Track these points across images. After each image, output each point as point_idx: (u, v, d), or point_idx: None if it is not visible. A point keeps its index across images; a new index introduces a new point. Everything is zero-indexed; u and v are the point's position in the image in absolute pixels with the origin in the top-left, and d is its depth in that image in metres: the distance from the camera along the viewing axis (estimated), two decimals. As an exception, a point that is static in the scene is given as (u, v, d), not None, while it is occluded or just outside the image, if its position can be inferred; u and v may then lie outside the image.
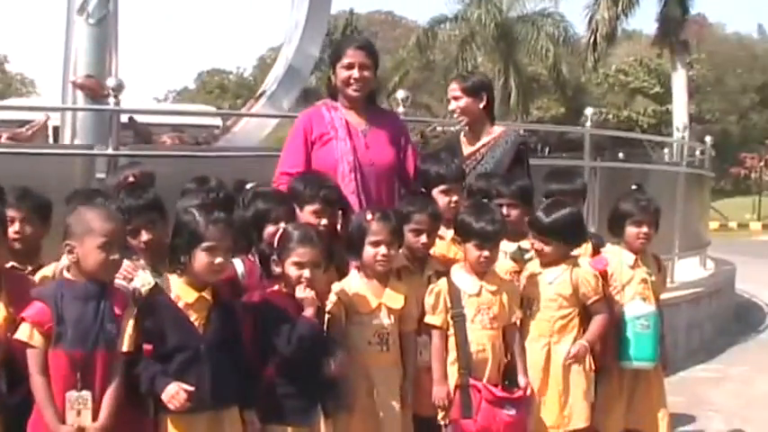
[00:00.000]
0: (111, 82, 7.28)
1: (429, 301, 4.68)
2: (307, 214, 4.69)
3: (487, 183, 5.32)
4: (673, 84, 31.37)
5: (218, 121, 12.62)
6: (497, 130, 5.93)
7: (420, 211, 4.77)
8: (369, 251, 4.50)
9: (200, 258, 3.88)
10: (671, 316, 9.03)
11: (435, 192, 5.11)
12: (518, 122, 32.06)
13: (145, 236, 4.30)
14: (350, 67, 5.24)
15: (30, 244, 4.48)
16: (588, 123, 9.06)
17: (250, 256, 4.53)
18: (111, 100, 7.10)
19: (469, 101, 5.84)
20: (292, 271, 4.18)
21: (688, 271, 10.96)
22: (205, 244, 3.87)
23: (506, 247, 5.09)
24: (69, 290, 3.75)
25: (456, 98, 5.87)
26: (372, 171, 5.21)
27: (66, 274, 3.85)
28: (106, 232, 3.76)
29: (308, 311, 4.13)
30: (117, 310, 3.76)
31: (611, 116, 46.63)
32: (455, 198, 5.09)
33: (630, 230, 5.22)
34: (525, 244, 5.10)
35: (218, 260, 3.89)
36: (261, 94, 12.90)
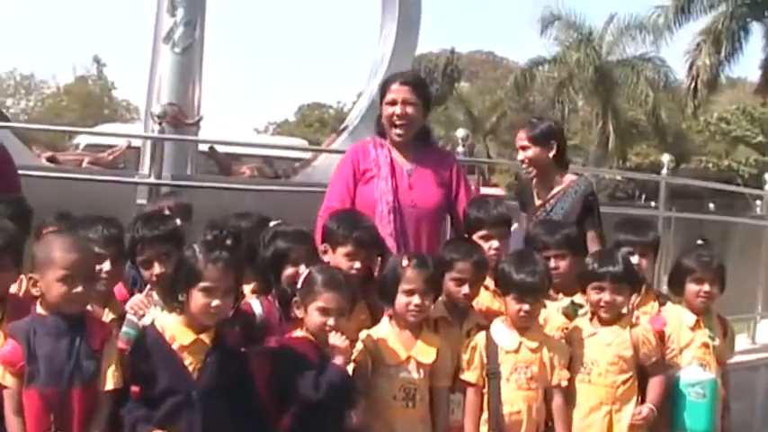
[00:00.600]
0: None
1: (465, 356, 4.38)
2: (339, 257, 4.47)
3: (536, 231, 5.02)
4: (775, 133, 30.41)
5: (308, 155, 12.50)
6: (569, 178, 5.59)
7: (463, 259, 4.48)
8: (401, 300, 4.23)
9: (197, 299, 3.67)
10: (750, 379, 8.53)
11: (476, 237, 4.82)
12: (610, 168, 31.54)
13: (157, 269, 4.12)
14: (393, 103, 5.03)
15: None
16: (665, 171, 8.59)
17: (270, 297, 4.33)
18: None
19: (537, 150, 5.49)
20: (315, 317, 3.96)
21: (771, 332, 10.34)
22: (202, 284, 3.66)
23: (559, 302, 4.77)
24: (41, 325, 3.55)
25: (524, 148, 5.52)
26: (414, 213, 4.97)
27: (38, 309, 3.64)
28: (67, 264, 3.55)
29: (339, 359, 3.91)
30: (95, 345, 3.57)
31: (711, 165, 45.46)
32: (495, 245, 4.77)
33: (691, 288, 4.82)
34: (578, 299, 4.75)
35: (215, 302, 3.66)
36: (343, 129, 12.80)
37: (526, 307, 4.33)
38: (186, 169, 10.96)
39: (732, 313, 8.82)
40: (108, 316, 4.07)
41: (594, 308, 4.58)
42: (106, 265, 4.08)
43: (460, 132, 7.55)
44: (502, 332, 4.41)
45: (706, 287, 4.80)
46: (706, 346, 4.82)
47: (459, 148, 7.21)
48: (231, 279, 3.73)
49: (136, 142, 14.18)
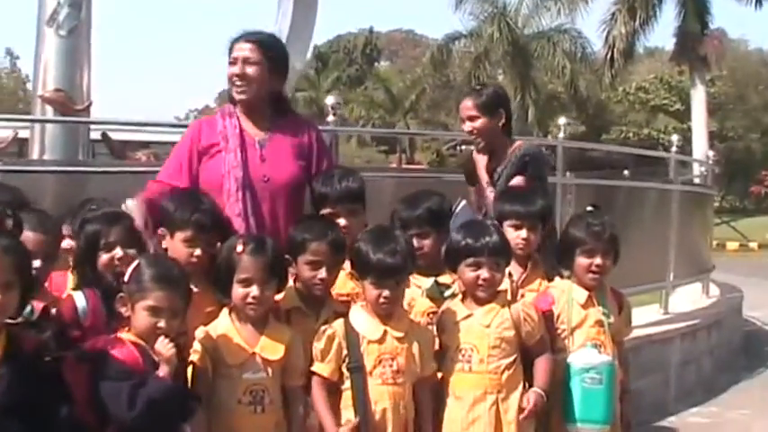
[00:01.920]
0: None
1: (318, 345, 3.79)
2: (178, 242, 3.90)
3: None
4: (692, 100, 30.47)
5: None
6: (515, 146, 5.15)
7: (317, 239, 3.91)
8: (237, 291, 3.66)
9: None
10: (662, 352, 8.15)
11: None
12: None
13: None
14: (233, 62, 4.43)
15: None
16: (561, 134, 8.11)
17: (95, 290, 3.73)
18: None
19: (486, 120, 5.01)
20: (144, 317, 3.39)
21: (686, 300, 10.00)
22: None
23: (422, 282, 4.24)
24: None
25: (471, 118, 5.03)
26: (267, 189, 4.36)
27: None
28: None
29: (164, 370, 3.34)
30: None
31: (631, 134, 45.65)
32: (342, 223, 4.22)
33: (581, 262, 4.28)
34: (445, 279, 4.21)
35: None
36: None
37: (386, 292, 3.75)
38: (78, 155, 10.34)
39: (643, 282, 8.54)
40: None
41: (470, 287, 4.03)
42: None
43: (330, 99, 6.94)
44: (363, 320, 3.83)
45: (598, 260, 4.26)
46: (600, 324, 4.27)
47: (330, 117, 6.60)
48: (10, 269, 3.05)
49: (24, 133, 13.48)
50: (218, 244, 3.90)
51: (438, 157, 45.30)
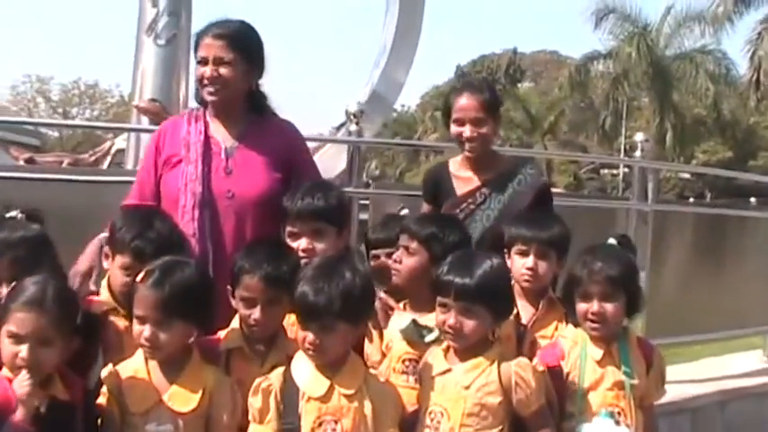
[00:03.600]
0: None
1: (255, 402, 3.09)
2: (116, 268, 3.38)
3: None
4: None
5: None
6: (506, 162, 4.40)
7: (250, 272, 3.26)
8: (135, 328, 3.04)
9: None
10: (761, 407, 7.08)
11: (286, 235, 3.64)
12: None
13: None
14: (203, 62, 3.80)
15: None
16: (638, 153, 7.02)
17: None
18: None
19: (492, 125, 4.22)
20: (6, 346, 2.83)
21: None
22: None
23: (400, 320, 3.49)
24: None
25: (476, 121, 4.17)
26: (231, 206, 3.74)
27: None
28: None
29: (20, 412, 2.75)
30: None
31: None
32: (303, 244, 3.57)
33: (580, 307, 3.49)
34: (428, 319, 3.42)
35: None
36: (342, 125, 11.77)
37: (310, 336, 3.04)
38: None
39: (740, 326, 7.51)
40: None
41: (443, 332, 3.28)
42: None
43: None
44: (306, 371, 3.12)
45: (594, 306, 3.44)
46: (619, 386, 3.45)
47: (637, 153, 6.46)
48: None
49: (122, 144, 13.41)
50: None
51: (575, 180, 44.04)
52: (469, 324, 3.18)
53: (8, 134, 21.44)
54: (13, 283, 2.95)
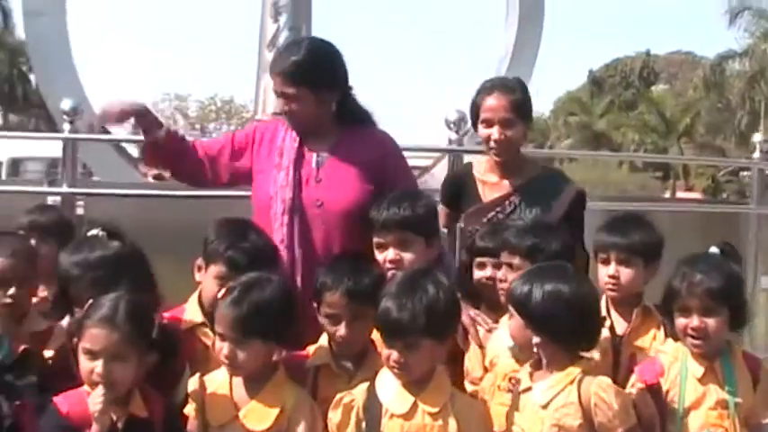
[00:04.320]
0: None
1: (334, 417, 3.07)
2: (209, 277, 3.44)
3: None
4: None
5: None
6: (535, 168, 4.17)
7: (331, 288, 3.25)
8: (217, 344, 3.06)
9: None
10: None
11: (375, 246, 3.58)
12: None
13: None
14: (278, 95, 3.82)
15: None
16: (756, 154, 6.63)
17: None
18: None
19: (522, 127, 4.03)
20: (83, 361, 2.90)
21: None
22: None
23: (507, 337, 3.36)
24: None
25: (505, 122, 3.96)
26: (319, 215, 3.72)
27: None
28: None
29: (94, 429, 2.82)
30: None
31: None
32: (390, 255, 3.52)
33: (678, 322, 3.30)
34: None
35: None
36: (465, 133, 11.67)
37: (394, 355, 2.98)
38: None
39: None
40: None
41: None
42: None
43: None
44: (390, 388, 3.07)
45: (695, 321, 3.25)
46: (723, 406, 3.26)
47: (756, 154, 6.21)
48: None
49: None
50: None
51: (713, 183, 42.65)
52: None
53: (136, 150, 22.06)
54: (90, 302, 3.01)
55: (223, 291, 3.11)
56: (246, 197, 4.00)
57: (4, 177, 19.92)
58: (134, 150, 10.09)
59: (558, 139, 50.76)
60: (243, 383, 3.09)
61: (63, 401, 2.88)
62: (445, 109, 5.67)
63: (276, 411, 3.04)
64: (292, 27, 10.84)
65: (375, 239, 3.57)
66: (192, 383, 3.11)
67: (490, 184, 4.08)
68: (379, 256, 3.54)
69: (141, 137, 4.01)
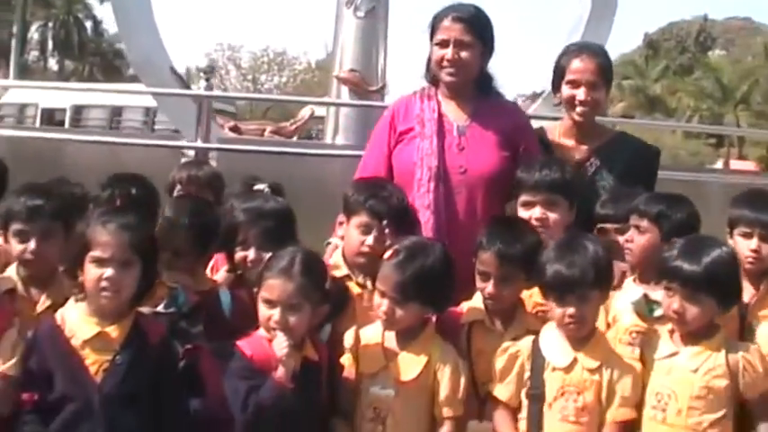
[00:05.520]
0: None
1: (498, 364, 3.25)
2: (352, 228, 3.56)
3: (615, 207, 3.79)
4: None
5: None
6: (606, 130, 4.37)
7: (485, 247, 3.37)
8: (376, 299, 3.26)
9: (88, 272, 2.90)
10: None
11: (519, 206, 3.70)
12: None
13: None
14: (443, 44, 3.91)
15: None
16: None
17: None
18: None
19: (605, 91, 4.16)
20: (262, 310, 3.08)
21: None
22: (93, 253, 2.90)
23: (630, 294, 3.51)
24: None
25: (592, 84, 4.06)
26: (463, 180, 3.86)
27: None
28: None
29: (280, 371, 3.00)
30: None
31: None
32: (536, 213, 3.65)
33: None
34: (656, 294, 3.38)
35: (108, 273, 2.87)
36: (537, 95, 11.76)
37: (570, 310, 3.12)
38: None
39: None
40: (43, 304, 3.31)
41: (667, 316, 3.28)
42: (31, 244, 3.29)
43: None
44: (552, 342, 3.22)
45: None
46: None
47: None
48: (125, 249, 2.91)
49: (321, 112, 13.83)
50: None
51: (768, 153, 42.14)
52: (693, 311, 3.16)
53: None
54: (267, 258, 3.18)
55: (389, 252, 3.26)
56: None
57: (67, 125, 20.25)
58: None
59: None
60: (394, 336, 3.26)
61: (246, 346, 3.04)
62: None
63: (423, 362, 3.21)
64: (373, -16, 10.98)
65: (523, 198, 3.71)
66: (348, 336, 3.28)
67: (567, 147, 4.17)
68: (524, 213, 3.68)
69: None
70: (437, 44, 3.92)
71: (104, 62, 51.25)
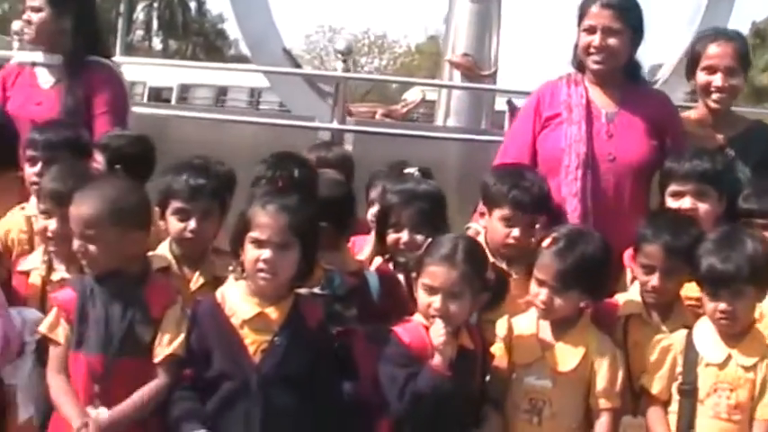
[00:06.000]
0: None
1: (651, 356, 3.22)
2: (495, 221, 3.54)
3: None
4: None
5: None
6: (740, 119, 4.20)
7: (651, 240, 3.33)
8: (532, 288, 3.22)
9: (247, 252, 2.95)
10: None
11: (667, 196, 3.64)
12: None
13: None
14: (591, 30, 3.86)
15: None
16: None
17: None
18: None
19: (743, 78, 4.04)
20: (421, 296, 3.06)
21: None
22: (252, 234, 2.93)
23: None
24: (98, 284, 3.02)
25: (729, 71, 3.95)
26: (612, 168, 3.80)
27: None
28: (75, 220, 3.03)
29: (437, 359, 2.98)
30: (154, 312, 3.01)
31: None
32: (686, 204, 3.57)
33: None
34: None
35: (266, 255, 2.90)
36: (654, 82, 11.59)
37: (722, 305, 3.08)
38: (481, 123, 10.33)
39: None
40: (198, 281, 3.37)
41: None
42: (192, 223, 3.34)
43: None
44: (706, 337, 3.18)
45: None
46: None
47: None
48: (284, 230, 2.94)
49: (432, 95, 13.81)
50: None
51: None
52: None
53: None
54: (428, 242, 3.17)
55: (548, 240, 3.22)
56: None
57: (174, 102, 20.59)
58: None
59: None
60: (549, 326, 3.23)
61: (403, 332, 3.04)
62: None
63: (581, 352, 3.18)
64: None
65: (672, 188, 3.64)
66: (501, 326, 3.26)
67: (701, 137, 4.03)
68: (674, 204, 3.62)
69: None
70: (584, 30, 3.87)
71: (207, 42, 51.87)
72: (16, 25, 7.13)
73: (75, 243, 3.00)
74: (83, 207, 3.00)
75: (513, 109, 11.09)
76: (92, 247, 2.98)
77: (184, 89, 21.79)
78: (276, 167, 3.28)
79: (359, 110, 14.81)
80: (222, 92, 21.36)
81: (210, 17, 52.15)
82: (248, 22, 11.22)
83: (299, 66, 13.92)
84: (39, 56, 4.56)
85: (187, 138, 6.48)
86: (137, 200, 3.12)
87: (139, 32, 53.28)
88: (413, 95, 15.07)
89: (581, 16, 3.91)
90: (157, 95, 21.92)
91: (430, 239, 3.15)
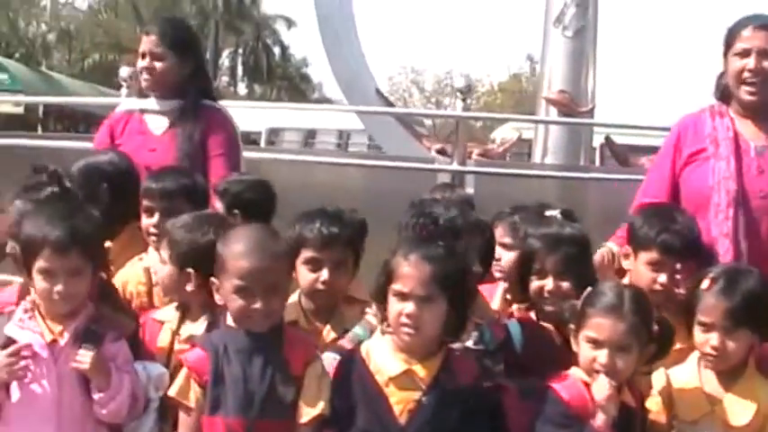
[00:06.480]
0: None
1: None
2: (641, 265, 3.34)
3: None
4: None
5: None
6: None
7: None
8: (699, 336, 2.99)
9: (391, 307, 2.74)
10: None
11: None
12: None
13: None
14: (744, 54, 3.59)
15: None
16: None
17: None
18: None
19: None
20: (585, 350, 2.84)
21: None
22: (396, 286, 2.74)
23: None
24: (232, 341, 2.85)
25: (764, 54, 3.58)
26: (764, 206, 3.54)
27: (229, 321, 2.88)
28: (242, 273, 2.73)
29: (600, 419, 2.75)
30: (295, 369, 2.83)
31: None
32: None
33: None
34: None
35: (410, 308, 2.72)
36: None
37: None
38: (579, 160, 10.13)
39: None
40: (329, 335, 3.21)
41: None
42: (324, 274, 3.19)
43: None
44: None
45: None
46: None
47: None
48: (429, 281, 2.73)
49: (528, 134, 13.63)
50: None
51: None
52: None
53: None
54: (587, 292, 2.95)
55: (706, 281, 3.02)
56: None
57: (263, 145, 20.72)
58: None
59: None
60: (716, 377, 3.00)
61: (562, 389, 2.83)
62: None
63: (754, 407, 2.95)
64: (579, 4, 10.68)
65: None
66: (658, 378, 3.04)
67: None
68: None
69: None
70: (736, 54, 3.60)
71: (291, 86, 52.51)
72: (124, 72, 7.11)
73: (258, 303, 2.80)
74: (253, 259, 2.82)
75: (610, 144, 10.87)
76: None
77: (273, 133, 21.96)
78: (420, 214, 3.08)
79: (436, 146, 14.68)
80: (311, 135, 21.45)
81: (294, 61, 52.80)
82: (340, 64, 11.20)
83: (391, 105, 13.86)
84: (152, 102, 4.48)
85: (311, 182, 6.37)
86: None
87: (225, 78, 54.23)
88: (505, 134, 14.87)
89: (730, 42, 3.65)
90: (246, 139, 22.04)
91: (588, 289, 2.93)
